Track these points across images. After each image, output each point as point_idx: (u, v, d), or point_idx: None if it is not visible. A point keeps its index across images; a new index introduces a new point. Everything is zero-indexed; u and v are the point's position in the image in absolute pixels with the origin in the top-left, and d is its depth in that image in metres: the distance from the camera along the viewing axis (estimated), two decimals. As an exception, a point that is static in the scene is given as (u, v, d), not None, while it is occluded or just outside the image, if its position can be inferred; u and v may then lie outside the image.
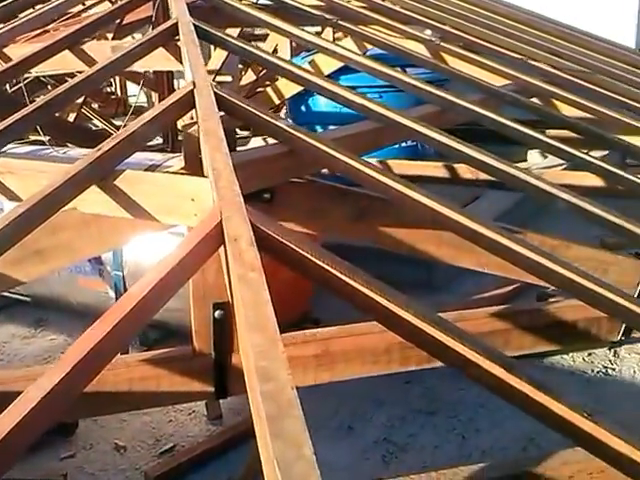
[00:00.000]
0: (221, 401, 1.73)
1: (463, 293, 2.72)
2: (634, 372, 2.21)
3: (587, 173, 2.59)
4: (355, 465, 1.79)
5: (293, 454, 0.67)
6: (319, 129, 3.98)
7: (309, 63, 3.76)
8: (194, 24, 2.04)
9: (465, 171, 3.38)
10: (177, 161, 1.77)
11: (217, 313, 1.46)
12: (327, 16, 2.89)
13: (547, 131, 3.68)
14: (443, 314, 1.85)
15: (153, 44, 2.09)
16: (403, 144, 4.13)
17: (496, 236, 1.53)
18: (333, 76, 3.79)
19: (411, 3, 4.11)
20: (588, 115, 3.21)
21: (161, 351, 1.58)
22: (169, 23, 2.17)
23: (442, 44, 3.52)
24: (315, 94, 3.72)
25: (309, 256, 1.17)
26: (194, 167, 1.46)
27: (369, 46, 3.67)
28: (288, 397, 0.76)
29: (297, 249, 1.17)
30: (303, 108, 4.20)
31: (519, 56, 3.56)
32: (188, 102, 1.54)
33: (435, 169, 3.60)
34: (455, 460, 1.75)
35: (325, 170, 2.09)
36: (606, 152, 4.28)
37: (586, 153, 4.51)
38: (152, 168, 2.10)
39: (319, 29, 4.77)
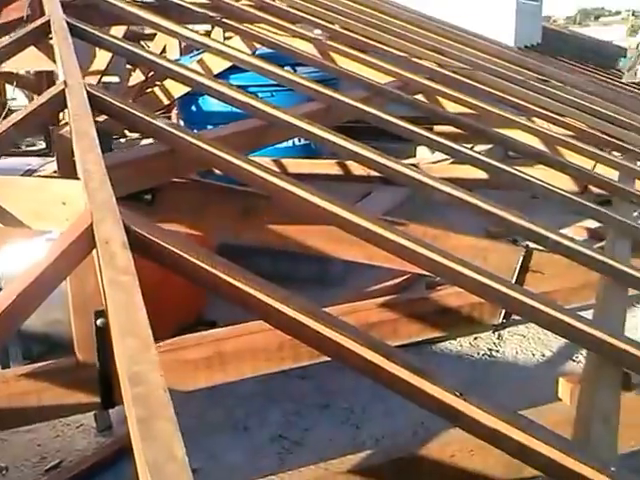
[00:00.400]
0: (111, 411, 1.68)
1: (358, 286, 2.78)
2: (516, 353, 2.35)
3: (471, 167, 2.72)
4: (250, 464, 1.79)
5: (164, 456, 0.66)
6: (211, 129, 3.93)
7: (197, 62, 3.70)
8: (68, 22, 1.95)
9: (357, 168, 3.46)
10: (54, 165, 1.69)
11: (99, 321, 1.41)
12: (211, 14, 2.86)
13: (434, 127, 3.85)
14: (334, 307, 1.89)
15: (23, 43, 1.98)
16: (297, 143, 4.16)
17: (378, 229, 1.58)
18: (223, 75, 3.76)
19: (300, 3, 4.14)
20: (471, 111, 3.37)
21: (42, 364, 1.51)
22: (40, 21, 2.07)
23: (330, 43, 3.58)
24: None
25: (187, 257, 1.15)
26: (67, 170, 1.40)
27: (259, 45, 3.67)
28: (160, 400, 0.75)
29: (175, 250, 1.15)
30: (194, 108, 4.13)
31: (404, 54, 3.68)
32: (59, 103, 1.47)
33: (329, 167, 3.67)
34: (349, 450, 1.79)
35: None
36: (490, 146, 4.50)
37: (470, 148, 4.75)
38: (29, 173, 2.00)
39: (209, 28, 4.72)
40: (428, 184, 2.02)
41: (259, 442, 1.91)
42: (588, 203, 2.33)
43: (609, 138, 3.53)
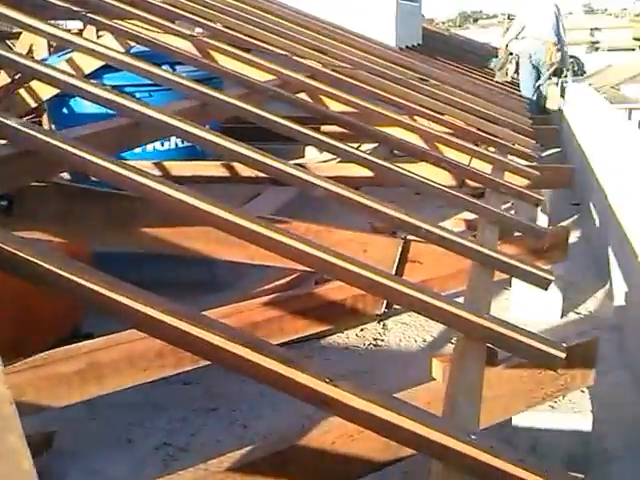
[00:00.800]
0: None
1: (249, 287, 2.76)
2: (399, 340, 2.42)
3: (357, 165, 2.78)
4: (134, 474, 1.73)
5: (10, 469, 0.63)
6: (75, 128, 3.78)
7: (67, 62, 3.52)
8: None
9: (245, 169, 3.43)
10: None
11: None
12: (75, 8, 2.72)
13: (322, 127, 3.90)
14: (217, 310, 1.86)
15: None
16: (181, 145, 4.07)
17: (257, 228, 1.57)
18: (96, 75, 3.61)
19: (179, 0, 4.06)
20: (353, 110, 3.44)
21: None
22: None
23: (209, 41, 3.52)
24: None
25: (47, 265, 1.09)
26: None
27: (134, 43, 3.55)
28: (5, 413, 0.70)
29: (31, 259, 1.08)
30: (65, 110, 3.92)
31: (285, 53, 3.70)
32: None
33: (215, 168, 3.62)
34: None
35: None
36: (376, 144, 4.60)
37: (357, 147, 4.82)
38: None
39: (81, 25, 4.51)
40: (313, 183, 2.04)
41: (143, 452, 1.84)
42: (462, 196, 2.44)
43: (484, 134, 3.72)
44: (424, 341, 2.41)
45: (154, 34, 3.33)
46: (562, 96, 6.28)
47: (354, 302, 2.02)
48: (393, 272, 2.12)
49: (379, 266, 2.13)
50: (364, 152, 2.85)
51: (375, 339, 2.45)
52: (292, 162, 3.67)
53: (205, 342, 1.12)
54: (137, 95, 3.78)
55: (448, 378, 1.30)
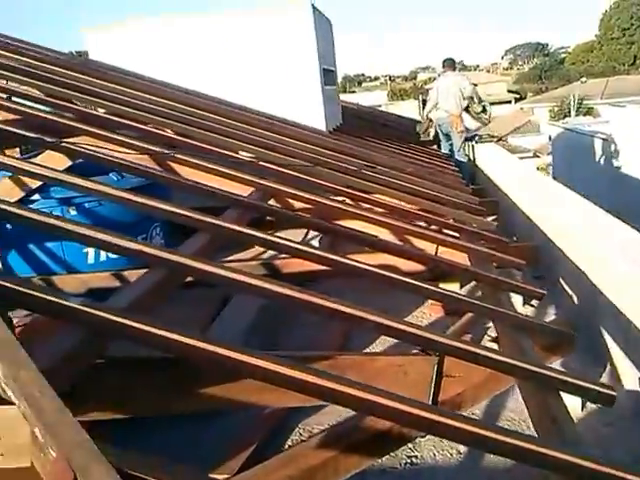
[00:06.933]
0: None
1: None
2: (434, 455, 2.33)
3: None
4: None
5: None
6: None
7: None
8: None
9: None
10: None
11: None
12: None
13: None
14: (275, 458, 1.75)
15: None
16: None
17: (295, 373, 1.50)
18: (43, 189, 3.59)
19: (125, 109, 3.99)
20: (313, 207, 3.45)
21: None
22: None
23: (170, 160, 3.46)
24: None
25: None
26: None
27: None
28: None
29: None
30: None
31: (250, 157, 3.70)
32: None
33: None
34: None
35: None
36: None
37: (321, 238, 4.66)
38: None
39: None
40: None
41: None
42: (426, 286, 2.40)
43: (446, 220, 3.82)
44: (459, 453, 2.34)
45: (100, 146, 3.20)
46: (471, 158, 7.36)
47: (400, 428, 1.96)
48: (431, 391, 2.09)
49: (418, 387, 2.10)
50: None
51: (409, 457, 2.34)
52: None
53: None
54: (86, 205, 3.77)
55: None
